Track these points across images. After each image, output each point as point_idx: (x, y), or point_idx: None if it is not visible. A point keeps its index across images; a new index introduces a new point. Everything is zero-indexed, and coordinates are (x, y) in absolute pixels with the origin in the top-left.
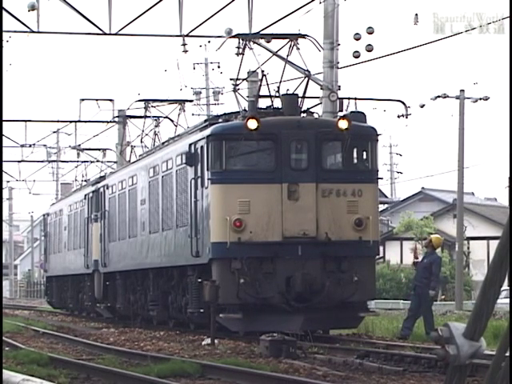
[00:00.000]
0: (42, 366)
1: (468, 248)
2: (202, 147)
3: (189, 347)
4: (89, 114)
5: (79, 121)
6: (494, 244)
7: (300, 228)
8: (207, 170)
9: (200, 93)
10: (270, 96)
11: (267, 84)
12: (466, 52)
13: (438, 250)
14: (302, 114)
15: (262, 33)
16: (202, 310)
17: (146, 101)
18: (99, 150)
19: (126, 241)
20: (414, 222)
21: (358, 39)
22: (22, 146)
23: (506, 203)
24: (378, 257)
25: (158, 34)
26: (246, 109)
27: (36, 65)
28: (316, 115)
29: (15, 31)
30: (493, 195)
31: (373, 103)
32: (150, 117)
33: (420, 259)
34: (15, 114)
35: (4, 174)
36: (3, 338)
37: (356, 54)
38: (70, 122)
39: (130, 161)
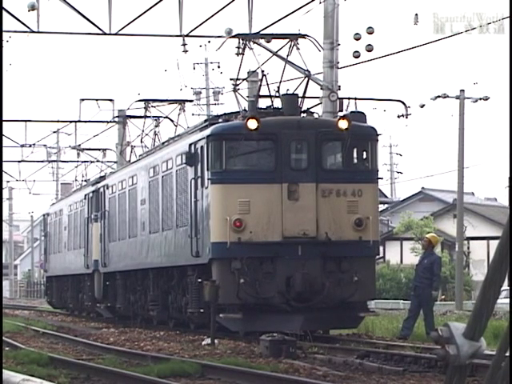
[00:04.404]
0: (42, 366)
1: (468, 248)
2: (202, 147)
3: (189, 347)
4: (89, 114)
5: (79, 121)
6: (494, 244)
7: (300, 228)
8: (207, 169)
9: (200, 93)
10: (270, 96)
11: (267, 84)
12: (466, 52)
13: (438, 250)
14: (302, 114)
15: (262, 33)
16: (202, 310)
17: (146, 101)
18: (99, 149)
19: (126, 241)
20: (414, 222)
21: (358, 39)
22: (22, 146)
23: (506, 203)
24: (378, 257)
25: (158, 34)
26: (246, 109)
27: (36, 65)
28: (316, 115)
29: (15, 31)
30: (493, 195)
31: (373, 103)
32: (150, 117)
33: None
34: (15, 114)
35: (4, 174)
36: (3, 337)
37: (356, 54)
38: (70, 122)
39: (129, 161)
